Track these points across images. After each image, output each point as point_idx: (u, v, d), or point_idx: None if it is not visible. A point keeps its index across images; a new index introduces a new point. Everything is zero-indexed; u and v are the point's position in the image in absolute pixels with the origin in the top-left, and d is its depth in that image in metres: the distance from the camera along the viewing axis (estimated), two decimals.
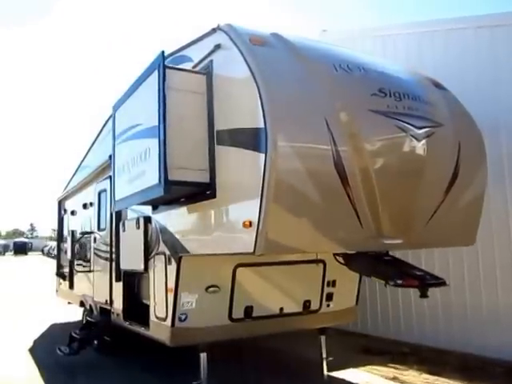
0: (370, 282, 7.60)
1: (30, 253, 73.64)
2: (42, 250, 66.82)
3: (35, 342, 9.09)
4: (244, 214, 3.97)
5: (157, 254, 5.63)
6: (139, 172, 5.02)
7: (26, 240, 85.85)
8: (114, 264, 6.95)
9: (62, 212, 11.65)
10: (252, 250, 3.86)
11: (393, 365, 6.75)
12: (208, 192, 4.49)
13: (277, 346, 7.61)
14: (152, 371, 6.78)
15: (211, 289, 5.19)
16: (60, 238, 11.81)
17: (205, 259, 5.04)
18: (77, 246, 8.86)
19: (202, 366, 5.17)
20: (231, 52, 4.29)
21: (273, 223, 3.81)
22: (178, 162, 4.42)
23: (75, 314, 10.05)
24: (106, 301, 7.34)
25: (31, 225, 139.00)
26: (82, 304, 9.03)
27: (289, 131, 3.89)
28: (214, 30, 4.65)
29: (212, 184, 4.45)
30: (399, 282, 4.27)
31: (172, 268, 5.20)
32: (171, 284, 5.17)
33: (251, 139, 3.92)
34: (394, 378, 6.23)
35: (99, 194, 8.09)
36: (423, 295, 4.20)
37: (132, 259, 6.26)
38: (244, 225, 3.92)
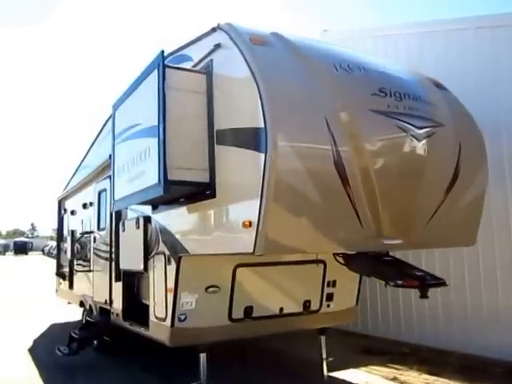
0: (370, 282, 7.58)
1: (30, 252, 73.64)
2: (43, 250, 66.80)
3: (35, 341, 9.08)
4: (244, 214, 3.96)
5: (156, 253, 5.62)
6: (139, 172, 5.01)
7: (27, 240, 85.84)
8: (113, 264, 6.94)
9: (62, 212, 11.64)
10: (252, 250, 3.85)
11: (393, 365, 6.74)
12: (208, 192, 4.48)
13: (277, 347, 7.60)
14: (151, 371, 6.77)
15: (211, 289, 5.17)
16: (60, 237, 11.80)
17: (204, 259, 5.03)
18: (77, 245, 8.85)
19: (201, 367, 5.16)
20: (231, 51, 4.27)
21: (273, 223, 3.80)
22: (177, 161, 4.41)
23: (75, 314, 10.04)
24: (106, 301, 7.33)
25: (32, 224, 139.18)
26: (81, 304, 9.01)
27: (289, 131, 3.88)
28: (214, 30, 4.63)
29: (212, 184, 4.44)
30: (399, 282, 4.26)
31: (172, 268, 5.19)
32: (171, 284, 5.15)
33: (251, 139, 3.91)
34: (394, 379, 6.21)
35: (99, 194, 8.08)
36: (423, 296, 4.19)
37: (132, 259, 6.25)
38: (244, 225, 3.91)
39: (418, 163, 4.41)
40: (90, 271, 8.44)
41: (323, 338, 6.15)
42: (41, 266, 35.02)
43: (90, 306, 8.34)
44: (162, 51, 4.55)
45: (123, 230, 6.57)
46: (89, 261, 8.52)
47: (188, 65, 5.07)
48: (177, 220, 5.25)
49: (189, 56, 5.21)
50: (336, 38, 7.95)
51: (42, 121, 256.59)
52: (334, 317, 6.06)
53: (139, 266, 5.89)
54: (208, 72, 4.65)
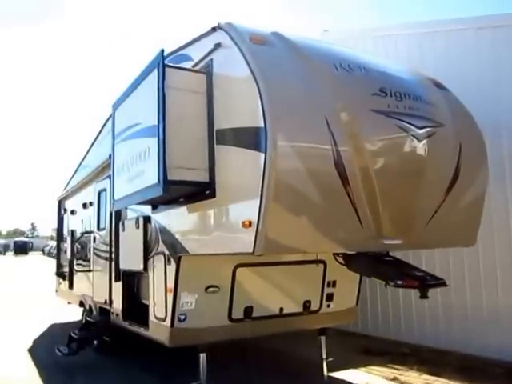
0: (370, 283, 7.57)
1: (30, 252, 73.69)
2: (43, 250, 66.87)
3: (35, 341, 9.07)
4: (243, 214, 3.95)
5: (156, 253, 5.61)
6: (138, 171, 5.01)
7: (27, 240, 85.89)
8: (113, 264, 6.94)
9: (62, 211, 11.64)
10: (251, 250, 3.84)
11: (393, 365, 6.73)
12: (207, 192, 4.47)
13: (277, 347, 7.59)
14: (151, 371, 6.77)
15: (211, 289, 5.16)
16: (60, 237, 11.79)
17: (204, 259, 5.02)
18: (76, 245, 8.84)
19: (201, 367, 5.15)
20: (231, 51, 4.26)
21: (272, 223, 3.79)
22: (177, 161, 4.41)
23: (75, 314, 10.03)
24: (106, 301, 7.33)
25: (32, 224, 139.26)
26: (81, 304, 9.01)
27: (289, 131, 3.87)
28: (214, 29, 4.62)
29: (211, 184, 4.43)
30: (399, 282, 4.25)
31: (171, 268, 5.18)
32: (170, 284, 5.15)
33: (251, 139, 3.90)
34: (394, 379, 6.20)
35: (99, 194, 8.07)
36: (423, 296, 4.18)
37: (131, 259, 6.24)
38: (243, 225, 3.90)
39: (419, 163, 4.40)
40: (89, 271, 8.44)
41: (323, 338, 6.14)
42: (41, 266, 35.04)
43: (90, 306, 8.34)
44: (162, 50, 4.54)
45: (123, 230, 6.57)
46: (89, 261, 8.51)
47: (188, 64, 5.06)
48: (176, 220, 5.24)
49: (189, 56, 5.20)
50: (336, 38, 7.93)
51: (42, 121, 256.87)
52: (334, 317, 6.06)
53: (139, 266, 5.89)
54: (208, 72, 4.64)
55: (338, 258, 5.03)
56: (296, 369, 6.72)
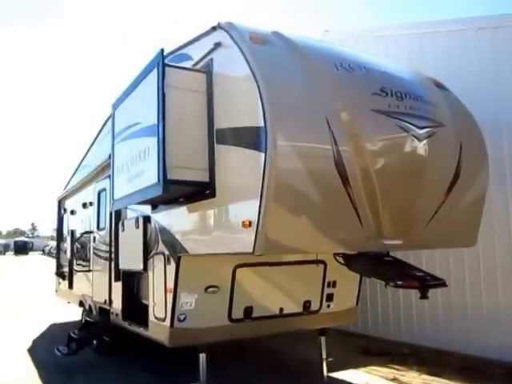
0: (370, 283, 7.56)
1: (30, 252, 73.73)
2: (43, 250, 66.88)
3: (34, 341, 9.07)
4: (243, 214, 3.94)
5: (156, 253, 5.60)
6: (138, 171, 5.00)
7: (27, 239, 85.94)
8: (113, 264, 6.93)
9: (62, 211, 11.63)
10: (251, 250, 3.82)
11: (393, 366, 6.72)
12: (207, 191, 4.46)
13: (277, 347, 7.58)
14: (151, 371, 6.76)
15: (211, 289, 5.15)
16: (60, 237, 11.78)
17: (204, 259, 5.01)
18: (76, 245, 8.84)
19: (201, 367, 5.14)
20: (231, 50, 4.25)
21: (272, 223, 3.78)
22: (177, 161, 4.40)
23: (75, 314, 10.02)
24: (105, 301, 7.32)
25: (32, 224, 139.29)
26: (81, 304, 9.00)
27: (289, 130, 3.86)
28: (214, 28, 4.60)
29: (211, 183, 4.42)
30: (399, 282, 4.24)
31: (171, 268, 5.17)
32: (170, 284, 5.13)
33: (251, 138, 3.88)
34: (394, 379, 6.20)
35: (99, 194, 8.07)
36: (423, 296, 4.16)
37: (131, 259, 6.23)
38: (243, 224, 3.89)
39: (419, 163, 4.39)
40: (89, 271, 8.43)
41: (323, 339, 6.13)
42: (41, 266, 35.03)
43: (90, 305, 8.33)
44: (162, 50, 4.53)
45: (123, 230, 6.56)
46: (88, 261, 8.50)
47: (188, 64, 5.05)
48: (176, 220, 5.23)
49: (189, 55, 5.19)
50: (337, 39, 7.92)
51: (42, 121, 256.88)
52: (334, 317, 6.04)
53: (139, 266, 5.88)
54: (208, 71, 4.63)
55: (338, 258, 5.01)
56: (296, 369, 6.71)
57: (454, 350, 6.89)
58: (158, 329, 5.47)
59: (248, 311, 5.40)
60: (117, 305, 6.85)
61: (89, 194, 8.78)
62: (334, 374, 6.23)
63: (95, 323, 7.61)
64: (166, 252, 5.32)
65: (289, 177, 3.81)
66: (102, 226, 7.92)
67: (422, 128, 4.36)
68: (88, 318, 8.10)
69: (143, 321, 5.84)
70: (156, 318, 5.50)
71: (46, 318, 11.18)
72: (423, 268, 5.06)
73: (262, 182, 3.70)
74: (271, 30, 4.58)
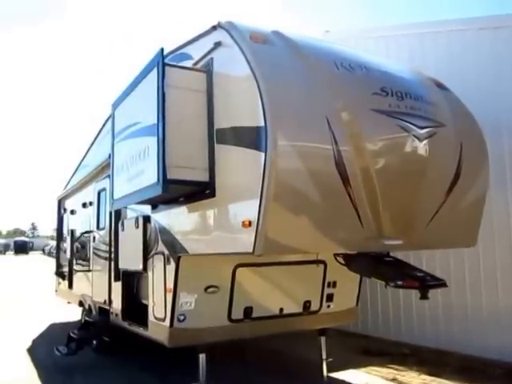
0: (370, 283, 7.55)
1: (30, 252, 73.70)
2: (43, 250, 66.88)
3: (34, 341, 9.06)
4: (243, 214, 3.93)
5: (156, 253, 5.59)
6: (138, 171, 4.99)
7: (27, 239, 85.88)
8: (112, 264, 6.91)
9: (62, 211, 11.62)
10: (251, 250, 3.82)
11: (393, 366, 6.71)
12: (207, 191, 4.45)
13: (276, 347, 7.57)
14: (151, 372, 6.75)
15: (210, 289, 5.14)
16: (59, 237, 11.77)
17: (204, 259, 5.00)
18: (76, 245, 8.82)
19: (200, 367, 5.14)
20: (231, 50, 4.24)
21: (272, 223, 3.77)
22: (176, 160, 4.39)
23: (75, 314, 10.01)
24: (105, 301, 7.31)
25: (32, 224, 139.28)
26: (80, 304, 8.99)
27: (289, 130, 3.84)
28: (214, 28, 4.60)
29: (211, 183, 4.41)
30: (399, 283, 4.23)
31: (171, 268, 5.16)
32: (170, 284, 5.12)
33: (251, 138, 3.87)
34: (394, 379, 6.19)
35: (98, 193, 8.06)
36: (423, 297, 4.16)
37: (131, 259, 6.22)
38: (243, 224, 3.88)
39: (420, 163, 4.38)
40: (89, 271, 8.41)
41: (323, 339, 6.12)
42: (41, 266, 35.02)
43: (89, 305, 8.31)
44: (162, 49, 4.52)
45: (122, 230, 6.55)
46: (88, 260, 8.49)
47: (188, 63, 5.04)
48: (176, 219, 5.22)
49: (189, 54, 5.18)
50: (337, 39, 7.90)
51: (42, 120, 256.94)
52: (334, 317, 6.03)
53: (138, 266, 5.87)
54: (208, 70, 4.62)
55: (338, 258, 5.00)
56: (296, 369, 6.70)
57: (454, 350, 6.88)
58: (157, 329, 5.46)
59: (248, 311, 5.39)
60: (116, 305, 6.84)
61: (89, 193, 8.77)
62: (334, 374, 6.23)
63: (95, 323, 7.59)
64: (166, 252, 5.31)
65: (289, 177, 3.80)
66: (101, 225, 7.91)
67: (422, 128, 4.35)
68: (88, 318, 8.08)
69: (143, 321, 5.83)
70: (156, 318, 5.49)
71: (46, 318, 11.18)
72: (423, 268, 5.05)
73: (262, 182, 3.69)
74: (271, 30, 4.57)
